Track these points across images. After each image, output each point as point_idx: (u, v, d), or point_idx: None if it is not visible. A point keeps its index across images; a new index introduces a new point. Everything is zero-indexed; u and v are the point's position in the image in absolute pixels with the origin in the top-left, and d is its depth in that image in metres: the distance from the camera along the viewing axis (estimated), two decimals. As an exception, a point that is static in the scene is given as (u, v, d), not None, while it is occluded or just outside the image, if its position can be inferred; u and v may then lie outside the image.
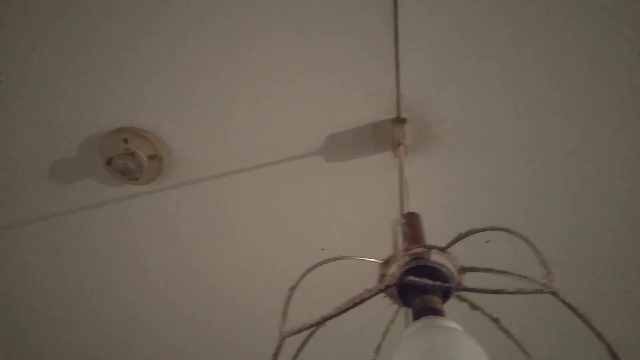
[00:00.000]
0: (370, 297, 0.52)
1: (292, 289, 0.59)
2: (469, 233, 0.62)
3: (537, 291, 0.50)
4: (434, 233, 0.73)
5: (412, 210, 0.76)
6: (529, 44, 0.88)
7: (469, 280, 0.63)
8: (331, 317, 0.51)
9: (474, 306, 0.66)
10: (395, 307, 0.65)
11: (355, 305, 0.52)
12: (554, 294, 0.49)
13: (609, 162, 1.02)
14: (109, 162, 1.00)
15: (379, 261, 0.64)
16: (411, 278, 0.53)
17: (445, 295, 0.60)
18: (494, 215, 1.10)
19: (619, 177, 1.04)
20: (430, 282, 0.53)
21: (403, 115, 0.97)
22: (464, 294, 0.64)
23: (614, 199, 1.08)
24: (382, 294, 0.59)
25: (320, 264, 0.60)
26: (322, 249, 1.16)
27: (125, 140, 0.99)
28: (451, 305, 0.61)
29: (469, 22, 0.86)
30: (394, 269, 0.58)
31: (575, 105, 0.95)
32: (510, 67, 0.91)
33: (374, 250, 0.68)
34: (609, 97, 0.93)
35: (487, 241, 1.05)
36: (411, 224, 0.70)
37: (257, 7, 0.85)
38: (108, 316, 1.35)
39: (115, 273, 1.24)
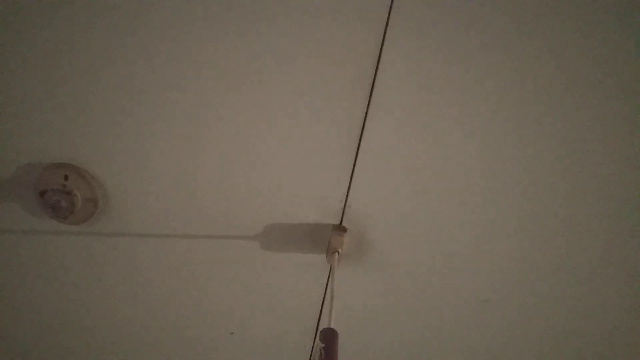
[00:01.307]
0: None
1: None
2: (380, 370, 0.63)
3: None
4: (347, 347, 0.74)
5: (332, 326, 0.77)
6: (471, 186, 0.94)
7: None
8: None
9: None
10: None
11: None
12: None
13: (519, 311, 1.07)
14: (42, 194, 0.97)
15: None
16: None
17: None
18: (410, 339, 1.12)
19: (526, 326, 1.09)
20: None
21: (345, 225, 1.00)
22: None
23: (522, 346, 1.12)
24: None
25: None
26: (232, 333, 1.13)
27: (66, 177, 0.97)
28: None
29: (426, 159, 0.91)
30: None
31: (495, 254, 1.01)
32: (452, 205, 0.96)
33: (283, 344, 0.68)
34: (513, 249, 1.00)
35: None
36: (327, 343, 0.71)
37: (225, 78, 0.87)
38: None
39: (14, 300, 1.17)
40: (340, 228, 1.00)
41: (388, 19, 0.78)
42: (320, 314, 1.06)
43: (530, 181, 0.91)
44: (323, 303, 1.05)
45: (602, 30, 0.77)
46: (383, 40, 0.80)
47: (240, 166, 0.95)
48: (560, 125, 0.85)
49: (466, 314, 1.08)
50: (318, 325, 1.10)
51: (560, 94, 0.82)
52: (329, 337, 0.73)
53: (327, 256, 1.02)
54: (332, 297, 0.87)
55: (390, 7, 0.77)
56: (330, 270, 0.98)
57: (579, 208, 0.93)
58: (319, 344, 0.61)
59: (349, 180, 0.95)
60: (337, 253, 0.98)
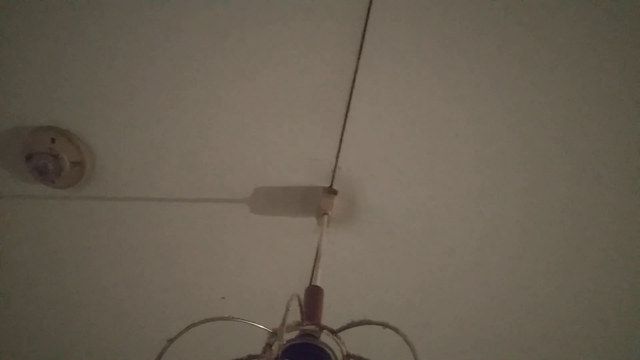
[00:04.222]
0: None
1: (170, 341, 0.57)
2: (362, 323, 0.63)
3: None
4: (334, 308, 0.73)
5: (318, 284, 0.76)
6: (461, 149, 0.92)
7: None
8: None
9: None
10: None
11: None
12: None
13: (513, 274, 1.07)
14: (29, 157, 0.96)
15: (268, 330, 0.63)
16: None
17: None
18: (396, 301, 1.12)
19: (521, 289, 1.08)
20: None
21: (335, 187, 0.99)
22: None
23: (519, 309, 1.12)
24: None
25: (206, 321, 0.59)
26: (223, 298, 1.13)
27: (53, 140, 0.95)
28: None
29: (416, 120, 0.89)
30: (276, 345, 0.57)
31: (485, 217, 0.99)
32: (441, 168, 0.95)
33: (276, 310, 0.67)
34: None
35: (384, 328, 1.06)
36: (311, 299, 0.70)
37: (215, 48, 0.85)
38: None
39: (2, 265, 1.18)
40: (330, 190, 0.99)
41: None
42: (312, 277, 1.06)
43: (528, 137, 0.89)
44: (314, 266, 1.05)
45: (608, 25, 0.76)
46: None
47: (228, 129, 0.94)
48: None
49: (458, 275, 1.07)
50: (309, 288, 1.09)
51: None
52: (313, 294, 0.72)
53: (317, 219, 1.01)
54: (319, 257, 0.86)
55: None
56: (320, 234, 0.97)
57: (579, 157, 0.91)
58: (293, 294, 0.61)
59: (339, 141, 0.93)
60: (326, 215, 0.97)
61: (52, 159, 0.95)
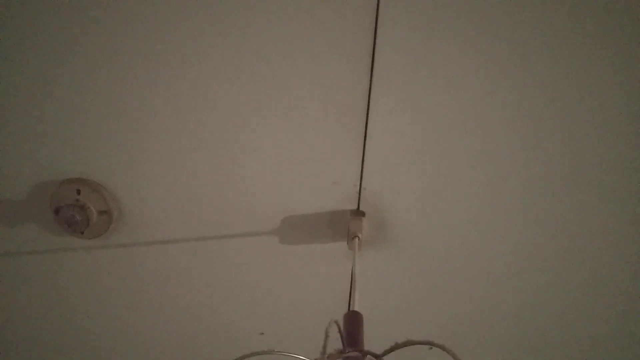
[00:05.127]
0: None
1: (211, 381, 0.55)
2: (406, 344, 0.60)
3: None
4: (376, 332, 0.71)
5: (356, 309, 0.74)
6: (484, 161, 0.90)
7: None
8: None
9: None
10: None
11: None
12: None
13: (549, 287, 1.03)
14: (57, 211, 0.97)
15: (310, 360, 0.61)
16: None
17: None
18: (437, 322, 1.09)
19: (558, 301, 1.05)
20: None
21: (363, 209, 0.97)
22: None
23: (552, 322, 1.08)
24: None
25: (244, 357, 0.57)
26: (262, 333, 1.11)
27: (78, 192, 0.96)
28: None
29: (437, 131, 0.87)
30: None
31: (516, 232, 0.97)
32: (466, 180, 0.92)
33: (316, 340, 0.66)
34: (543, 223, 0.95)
35: (430, 348, 1.03)
36: (351, 324, 0.68)
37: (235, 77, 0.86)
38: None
39: (37, 322, 1.18)
40: (358, 213, 0.97)
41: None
42: (349, 302, 1.04)
43: (557, 145, 0.86)
44: (351, 291, 1.02)
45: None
46: (377, 9, 0.77)
47: (250, 163, 0.94)
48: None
49: (496, 289, 1.04)
50: (347, 314, 1.07)
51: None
52: (353, 319, 0.70)
53: (348, 243, 0.99)
54: (354, 281, 0.84)
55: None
56: (353, 258, 0.95)
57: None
58: (332, 321, 0.59)
59: (361, 161, 0.92)
60: (357, 238, 0.95)
61: (79, 210, 0.96)
